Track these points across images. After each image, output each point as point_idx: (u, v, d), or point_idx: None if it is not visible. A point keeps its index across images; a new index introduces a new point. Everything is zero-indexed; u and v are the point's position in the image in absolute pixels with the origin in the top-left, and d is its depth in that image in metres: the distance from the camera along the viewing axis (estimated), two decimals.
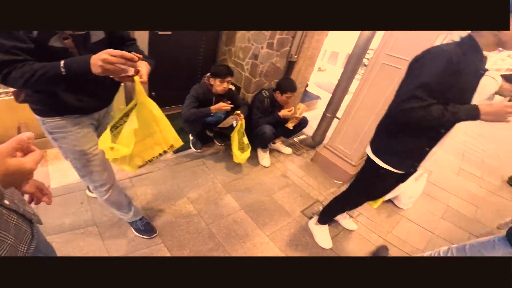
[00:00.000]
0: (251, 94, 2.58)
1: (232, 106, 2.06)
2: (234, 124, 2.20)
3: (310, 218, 1.99)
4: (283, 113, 2.33)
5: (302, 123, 2.51)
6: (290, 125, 2.40)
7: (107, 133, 0.93)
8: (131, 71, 0.82)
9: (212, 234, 1.71)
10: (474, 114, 1.03)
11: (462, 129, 6.00)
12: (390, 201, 2.44)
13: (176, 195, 1.93)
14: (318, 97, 4.14)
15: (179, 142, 1.02)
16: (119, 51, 0.75)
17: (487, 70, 1.16)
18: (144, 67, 0.88)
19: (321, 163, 2.63)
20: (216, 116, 2.19)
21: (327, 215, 1.82)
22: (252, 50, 2.50)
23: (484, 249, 1.38)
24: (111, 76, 0.82)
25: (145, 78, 0.86)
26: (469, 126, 6.50)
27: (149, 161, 1.07)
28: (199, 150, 2.39)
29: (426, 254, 1.74)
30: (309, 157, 2.79)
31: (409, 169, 1.31)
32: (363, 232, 2.06)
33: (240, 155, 2.13)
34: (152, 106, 0.92)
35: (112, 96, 1.13)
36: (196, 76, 2.28)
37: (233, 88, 2.28)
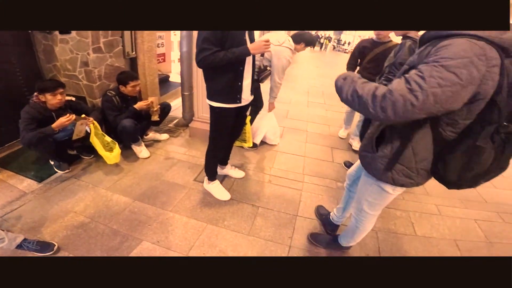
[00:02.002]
0: (100, 99, 2.56)
1: (73, 116, 2.00)
2: (89, 130, 2.18)
3: (203, 182, 2.18)
4: (138, 105, 2.46)
5: (165, 108, 2.73)
6: (155, 118, 2.59)
7: None
8: None
9: (115, 231, 1.71)
10: (245, 51, 1.47)
11: (306, 74, 7.71)
12: (263, 142, 2.97)
13: (62, 213, 1.83)
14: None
15: None
16: None
17: None
18: None
19: (198, 135, 2.95)
20: (66, 130, 2.10)
21: (210, 170, 2.05)
22: (79, 59, 2.46)
23: (378, 199, 1.20)
24: None
25: None
26: (311, 70, 8.38)
27: None
28: (67, 171, 2.24)
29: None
30: (187, 135, 3.05)
31: (235, 101, 1.64)
32: (252, 175, 2.41)
33: (110, 155, 2.14)
34: None
35: None
36: (25, 101, 2.08)
37: (73, 99, 2.22)
